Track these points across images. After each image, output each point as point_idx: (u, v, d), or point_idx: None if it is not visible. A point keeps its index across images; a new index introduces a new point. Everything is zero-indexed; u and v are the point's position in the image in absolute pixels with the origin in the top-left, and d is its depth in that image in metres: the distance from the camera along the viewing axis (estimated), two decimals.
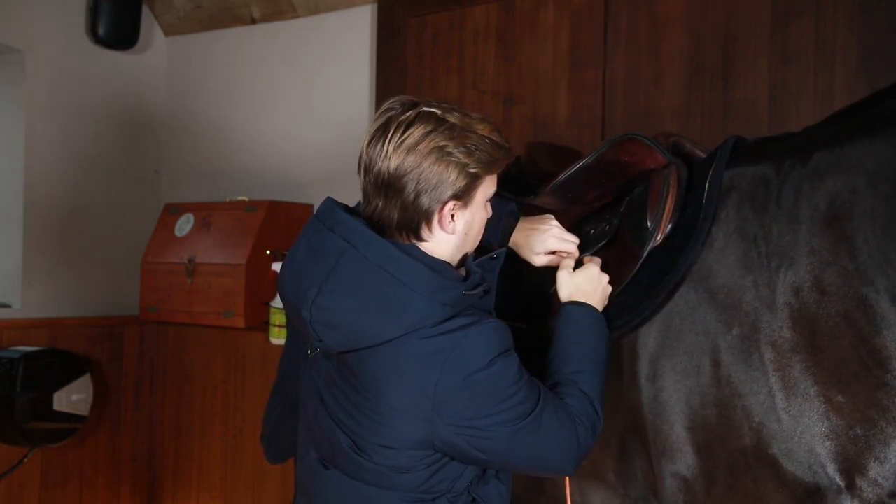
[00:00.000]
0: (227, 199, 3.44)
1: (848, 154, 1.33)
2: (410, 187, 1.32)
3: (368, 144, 1.36)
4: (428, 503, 1.37)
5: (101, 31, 3.47)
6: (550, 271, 1.60)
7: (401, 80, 3.16)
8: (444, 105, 1.37)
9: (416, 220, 1.35)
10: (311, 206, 3.39)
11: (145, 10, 3.67)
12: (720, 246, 1.49)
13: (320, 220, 1.40)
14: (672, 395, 1.49)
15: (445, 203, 1.35)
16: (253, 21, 3.64)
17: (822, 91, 2.35)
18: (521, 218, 1.65)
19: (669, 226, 1.56)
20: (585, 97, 2.78)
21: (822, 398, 1.34)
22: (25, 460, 3.11)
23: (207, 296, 3.26)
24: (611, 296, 1.58)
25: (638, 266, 1.57)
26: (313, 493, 1.47)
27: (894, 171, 1.25)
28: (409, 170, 1.32)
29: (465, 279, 1.37)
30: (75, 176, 3.53)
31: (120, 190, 3.72)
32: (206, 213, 3.42)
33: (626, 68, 2.70)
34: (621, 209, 1.69)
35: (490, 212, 1.47)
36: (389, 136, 1.33)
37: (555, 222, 1.62)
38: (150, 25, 3.81)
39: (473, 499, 1.41)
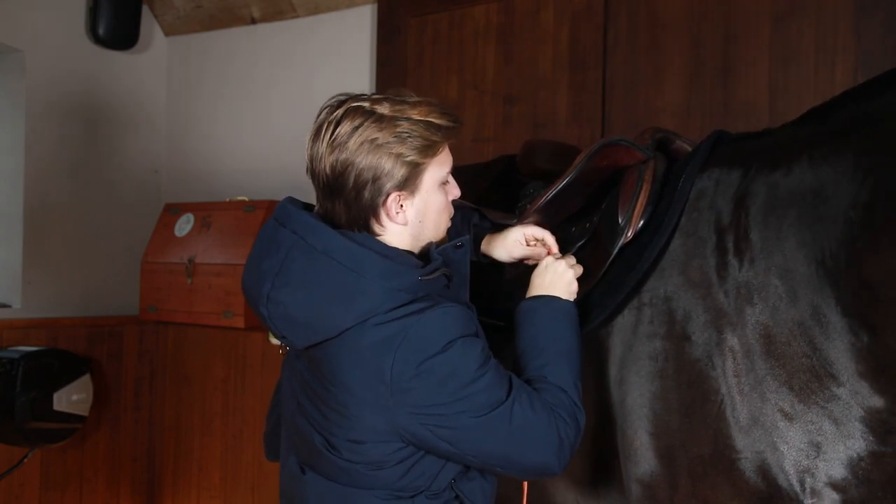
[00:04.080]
0: (227, 199, 3.44)
1: (813, 162, 1.32)
2: (349, 185, 1.31)
3: (308, 149, 1.36)
4: (406, 500, 1.34)
5: (101, 31, 3.47)
6: (531, 268, 1.59)
7: (401, 80, 3.16)
8: (376, 96, 1.34)
9: (362, 215, 1.34)
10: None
11: (145, 10, 3.67)
12: (687, 248, 1.47)
13: (274, 218, 1.41)
14: (637, 399, 1.47)
15: (388, 195, 1.32)
16: (253, 21, 3.64)
17: (822, 91, 2.35)
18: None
19: (641, 222, 1.53)
20: (585, 97, 2.78)
21: (776, 407, 1.33)
22: (25, 460, 3.11)
23: (207, 296, 3.26)
24: (583, 292, 1.55)
25: (608, 263, 1.54)
26: (294, 497, 1.45)
27: (847, 185, 1.25)
28: (343, 168, 1.31)
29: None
30: (75, 176, 3.53)
31: (120, 190, 3.72)
32: (206, 213, 3.42)
33: (626, 68, 2.70)
34: (603, 206, 1.67)
35: (456, 193, 1.43)
36: (321, 137, 1.33)
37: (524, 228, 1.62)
38: (150, 25, 3.81)
39: (457, 495, 1.37)
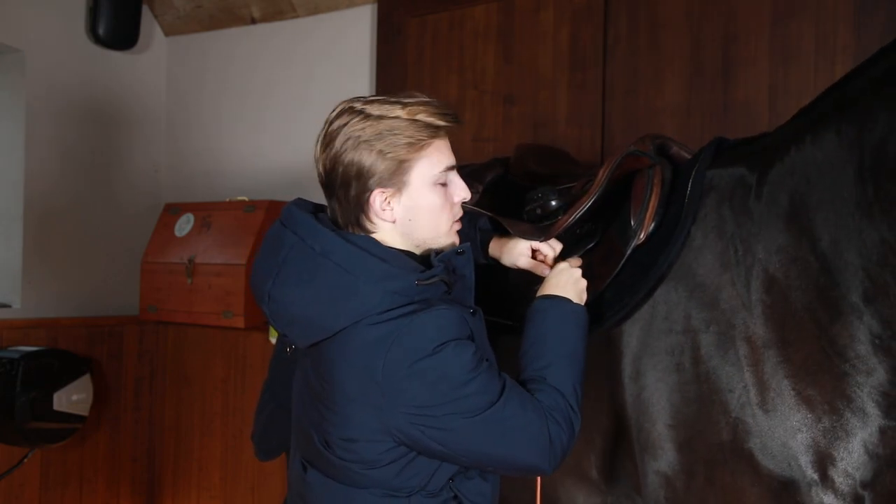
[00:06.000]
0: (227, 199, 3.44)
1: (802, 152, 1.39)
2: (339, 181, 1.35)
3: (314, 153, 1.41)
4: (403, 499, 1.35)
5: (101, 31, 3.47)
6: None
7: (401, 80, 3.16)
8: (371, 97, 1.37)
9: (353, 212, 1.36)
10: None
11: (145, 10, 3.67)
12: (699, 245, 1.53)
13: (280, 220, 1.43)
14: (654, 392, 1.52)
15: (371, 191, 1.34)
16: (253, 21, 3.64)
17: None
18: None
19: (653, 224, 1.58)
20: (585, 97, 2.77)
21: (793, 391, 1.38)
22: (25, 460, 3.11)
23: (207, 296, 3.26)
24: (594, 293, 1.58)
25: (621, 264, 1.59)
26: (298, 493, 1.48)
27: (834, 165, 1.32)
28: (332, 165, 1.35)
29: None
30: (75, 176, 3.53)
31: (120, 190, 3.72)
32: (206, 213, 3.42)
33: (626, 68, 2.70)
34: (607, 208, 1.71)
35: (462, 195, 1.42)
36: (319, 139, 1.38)
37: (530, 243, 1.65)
38: (150, 25, 3.81)
39: (455, 495, 1.38)
